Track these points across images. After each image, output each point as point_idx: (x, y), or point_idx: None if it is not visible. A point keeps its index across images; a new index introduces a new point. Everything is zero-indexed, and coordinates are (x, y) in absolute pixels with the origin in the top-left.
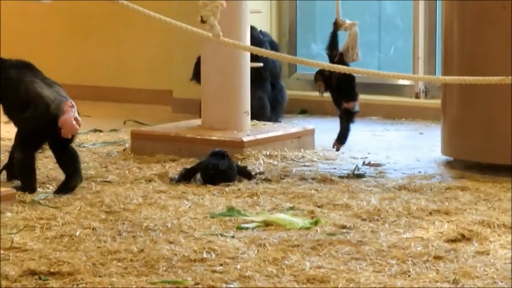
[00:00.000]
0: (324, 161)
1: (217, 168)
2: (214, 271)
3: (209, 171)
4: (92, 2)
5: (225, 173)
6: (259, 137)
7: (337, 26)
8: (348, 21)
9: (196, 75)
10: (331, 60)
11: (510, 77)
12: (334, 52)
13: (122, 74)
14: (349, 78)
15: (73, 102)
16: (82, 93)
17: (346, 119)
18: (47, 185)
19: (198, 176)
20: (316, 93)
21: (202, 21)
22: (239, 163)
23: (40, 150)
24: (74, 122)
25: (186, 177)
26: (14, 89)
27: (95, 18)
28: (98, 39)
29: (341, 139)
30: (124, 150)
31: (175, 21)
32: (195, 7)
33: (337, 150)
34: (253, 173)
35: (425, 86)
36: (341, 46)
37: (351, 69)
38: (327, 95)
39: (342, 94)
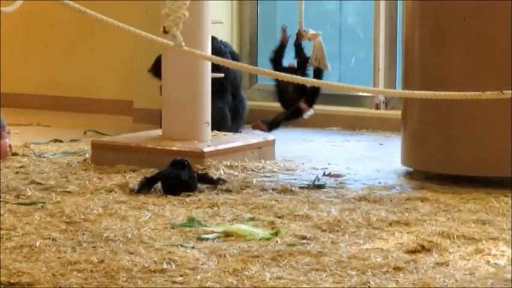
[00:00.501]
0: (285, 171)
1: (179, 178)
2: (174, 282)
3: (171, 180)
4: (52, 12)
5: (186, 183)
6: (219, 147)
7: (300, 36)
8: (311, 32)
9: (155, 69)
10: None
11: (486, 93)
12: (298, 62)
13: (83, 84)
14: (316, 88)
15: (9, 129)
16: (42, 103)
17: (292, 115)
18: (7, 196)
19: (159, 186)
20: (277, 104)
21: (165, 32)
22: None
23: None
24: (9, 149)
25: (146, 185)
26: None
27: (56, 28)
28: (58, 49)
29: (271, 126)
30: (84, 160)
31: (137, 30)
32: (158, 16)
33: (254, 128)
34: (215, 178)
35: (386, 97)
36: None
37: (312, 80)
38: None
39: (304, 96)
